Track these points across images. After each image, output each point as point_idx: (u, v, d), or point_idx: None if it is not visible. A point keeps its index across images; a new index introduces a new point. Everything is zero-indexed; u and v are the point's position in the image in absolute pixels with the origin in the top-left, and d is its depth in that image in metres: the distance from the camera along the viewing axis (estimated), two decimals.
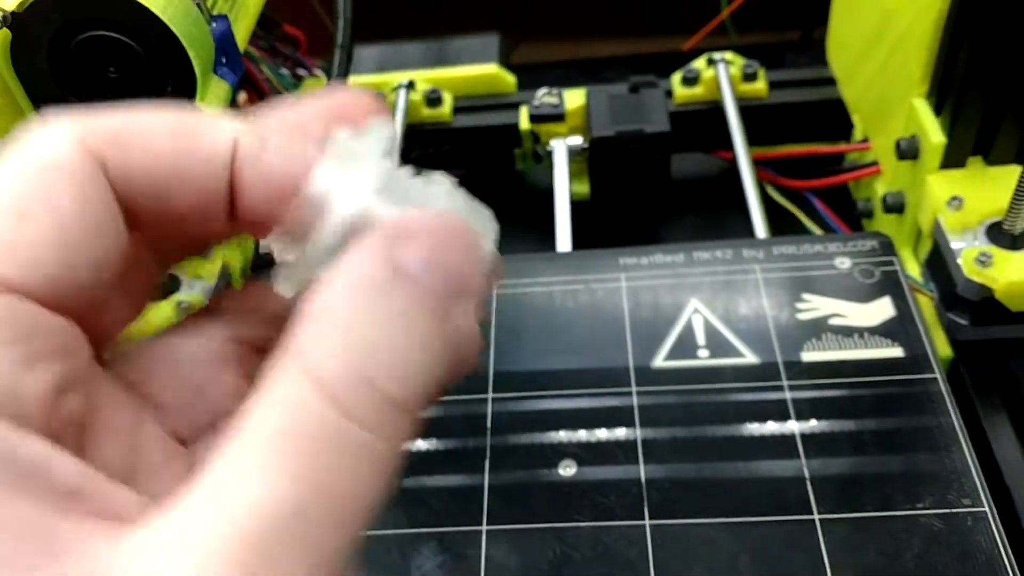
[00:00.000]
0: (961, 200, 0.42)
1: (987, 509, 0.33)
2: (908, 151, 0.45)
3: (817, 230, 0.53)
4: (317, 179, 0.16)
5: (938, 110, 0.44)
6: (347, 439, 0.14)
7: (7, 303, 0.15)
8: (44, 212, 0.15)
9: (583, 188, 0.55)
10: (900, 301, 0.39)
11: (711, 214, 0.57)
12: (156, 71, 0.31)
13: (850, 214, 0.53)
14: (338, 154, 0.17)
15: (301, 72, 0.59)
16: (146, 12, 0.30)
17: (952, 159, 0.44)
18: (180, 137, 0.17)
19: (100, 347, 0.17)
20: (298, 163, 0.17)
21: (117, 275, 0.16)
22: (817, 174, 0.54)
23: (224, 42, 0.34)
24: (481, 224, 0.17)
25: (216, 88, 0.32)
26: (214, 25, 0.34)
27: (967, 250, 0.41)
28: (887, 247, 0.41)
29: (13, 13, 0.30)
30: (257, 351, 0.19)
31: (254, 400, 0.14)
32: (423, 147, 0.57)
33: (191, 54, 0.31)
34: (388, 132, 0.18)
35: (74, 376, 0.15)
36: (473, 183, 0.58)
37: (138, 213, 0.17)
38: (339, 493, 0.14)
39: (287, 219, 0.17)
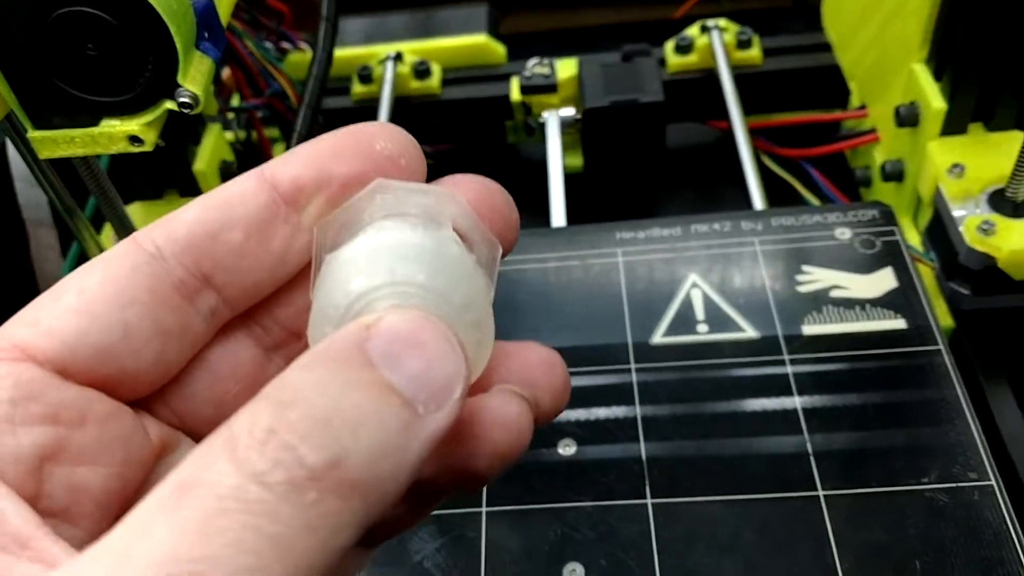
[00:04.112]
0: (963, 167, 0.42)
1: (993, 483, 0.32)
2: (908, 118, 0.44)
3: (814, 200, 0.52)
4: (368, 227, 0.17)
5: (938, 76, 0.44)
6: (233, 494, 0.13)
7: (18, 368, 0.16)
8: (73, 290, 0.17)
9: (576, 160, 0.54)
10: (902, 272, 0.39)
11: (706, 185, 0.56)
12: (136, 47, 0.30)
13: (847, 183, 0.52)
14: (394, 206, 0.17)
15: (285, 46, 0.58)
16: None
17: (953, 126, 0.43)
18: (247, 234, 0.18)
19: (152, 397, 0.18)
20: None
21: (163, 347, 0.17)
22: (813, 142, 0.53)
23: (206, 16, 0.33)
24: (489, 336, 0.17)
25: (199, 64, 0.31)
26: None
27: (969, 218, 0.40)
28: (888, 217, 0.41)
29: None
30: None
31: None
32: (412, 121, 0.56)
33: (172, 29, 0.29)
34: (440, 203, 0.18)
35: (85, 443, 0.16)
36: (464, 157, 0.58)
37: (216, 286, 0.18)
38: (218, 553, 0.12)
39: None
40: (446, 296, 0.16)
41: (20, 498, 0.15)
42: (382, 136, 0.18)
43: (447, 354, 0.15)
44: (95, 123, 0.32)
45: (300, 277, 0.19)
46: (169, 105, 0.31)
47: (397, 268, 0.16)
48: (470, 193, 0.18)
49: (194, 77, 0.31)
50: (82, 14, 0.30)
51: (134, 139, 0.32)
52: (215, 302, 0.18)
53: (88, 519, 0.16)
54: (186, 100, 0.31)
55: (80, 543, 0.15)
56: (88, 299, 0.17)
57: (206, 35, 0.33)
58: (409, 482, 0.14)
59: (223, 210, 0.18)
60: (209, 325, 0.18)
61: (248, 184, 0.18)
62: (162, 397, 0.18)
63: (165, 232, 0.17)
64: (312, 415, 0.13)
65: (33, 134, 0.32)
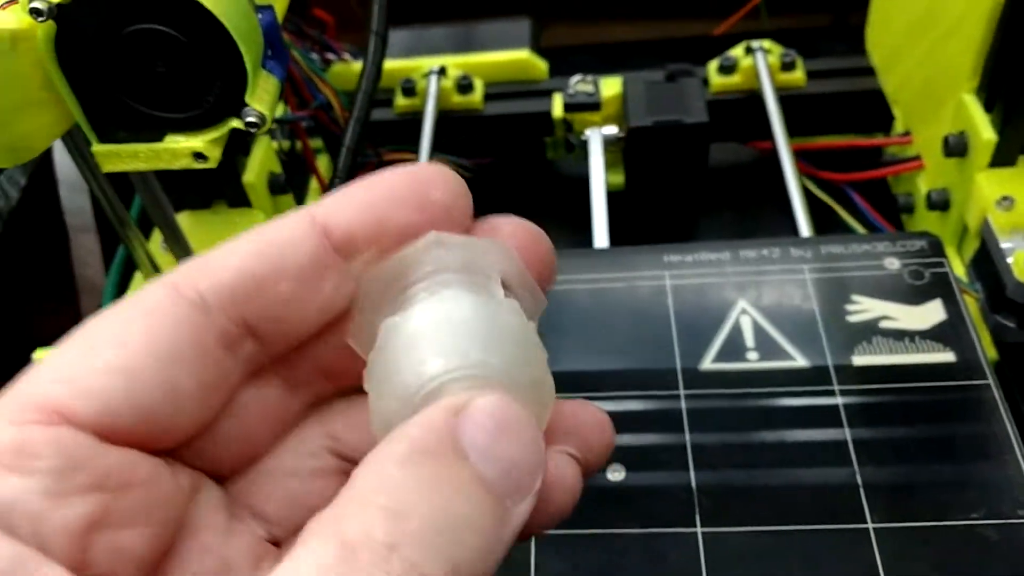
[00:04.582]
0: (1012, 200, 0.42)
1: None
2: (956, 148, 0.44)
3: (856, 224, 0.52)
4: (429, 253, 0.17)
5: (989, 107, 0.43)
6: None
7: (58, 435, 0.15)
8: (111, 344, 0.16)
9: (617, 178, 0.54)
10: (951, 304, 0.39)
11: (747, 207, 0.56)
12: (205, 66, 0.30)
13: (890, 208, 0.52)
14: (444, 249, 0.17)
15: (329, 56, 0.58)
16: (195, 4, 0.29)
17: (1002, 157, 0.43)
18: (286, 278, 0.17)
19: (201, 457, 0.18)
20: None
21: (205, 401, 0.17)
22: (855, 167, 0.53)
23: (271, 34, 0.33)
24: (546, 397, 0.17)
25: (265, 83, 0.32)
26: (260, 16, 0.33)
27: (1018, 252, 0.40)
28: (936, 248, 0.41)
29: (59, 5, 0.29)
30: (351, 461, 0.19)
31: (287, 556, 0.14)
32: (454, 135, 0.57)
33: (243, 49, 0.30)
34: (500, 258, 0.18)
35: (129, 507, 0.16)
36: (503, 172, 0.58)
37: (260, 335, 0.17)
38: None
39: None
40: (517, 377, 0.16)
41: (69, 572, 0.15)
42: (439, 185, 0.18)
43: (530, 443, 0.16)
44: (159, 139, 0.32)
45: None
46: (235, 124, 0.31)
47: (471, 350, 0.16)
48: (515, 239, 0.18)
49: (261, 96, 0.31)
50: (153, 31, 0.30)
51: (198, 155, 0.32)
52: (254, 350, 0.17)
53: None
54: (253, 120, 0.31)
55: None
56: (129, 355, 0.16)
57: (269, 53, 0.33)
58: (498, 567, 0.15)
59: (272, 259, 0.17)
60: (245, 372, 0.18)
61: (299, 230, 0.17)
62: (190, 442, 0.18)
63: (209, 279, 0.17)
64: (426, 527, 0.14)
65: (97, 148, 0.33)
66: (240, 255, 0.17)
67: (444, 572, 0.14)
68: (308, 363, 0.19)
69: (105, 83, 0.31)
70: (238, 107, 0.31)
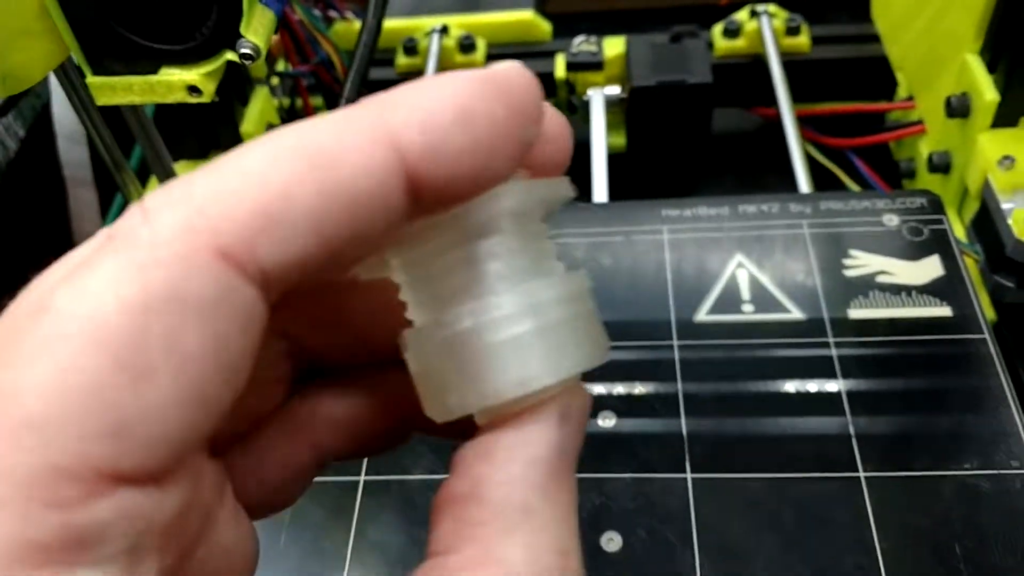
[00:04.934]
0: (1013, 160, 0.41)
1: None
2: (958, 109, 0.44)
3: (858, 189, 0.52)
4: (473, 209, 0.15)
5: (992, 68, 0.43)
6: None
7: (120, 505, 0.11)
8: (167, 369, 0.12)
9: (618, 140, 0.54)
10: (949, 260, 0.38)
11: (749, 171, 0.56)
12: None
13: (891, 174, 0.52)
14: (514, 191, 0.15)
15: (332, 14, 0.58)
16: None
17: (1004, 118, 0.43)
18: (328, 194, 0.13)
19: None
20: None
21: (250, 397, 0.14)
22: (858, 132, 0.53)
23: None
24: (577, 346, 0.16)
25: (261, 16, 0.31)
26: None
27: (1018, 211, 0.40)
28: (936, 205, 0.40)
29: None
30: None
31: None
32: None
33: None
34: (563, 192, 0.16)
35: (178, 533, 0.13)
36: None
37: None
38: None
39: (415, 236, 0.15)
40: (592, 361, 0.16)
41: None
42: (538, 119, 0.14)
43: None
44: (154, 71, 0.32)
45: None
46: (230, 56, 0.31)
47: (563, 362, 0.16)
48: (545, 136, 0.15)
49: (256, 29, 0.31)
50: None
51: (193, 89, 0.32)
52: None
53: None
54: (248, 51, 0.31)
55: None
56: (192, 380, 0.12)
57: None
58: None
59: (353, 220, 0.13)
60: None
61: (387, 178, 0.13)
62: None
63: (272, 244, 0.12)
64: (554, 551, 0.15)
65: (92, 80, 0.33)
66: (313, 208, 0.12)
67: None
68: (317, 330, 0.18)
69: (100, 13, 0.31)
70: (233, 39, 0.31)
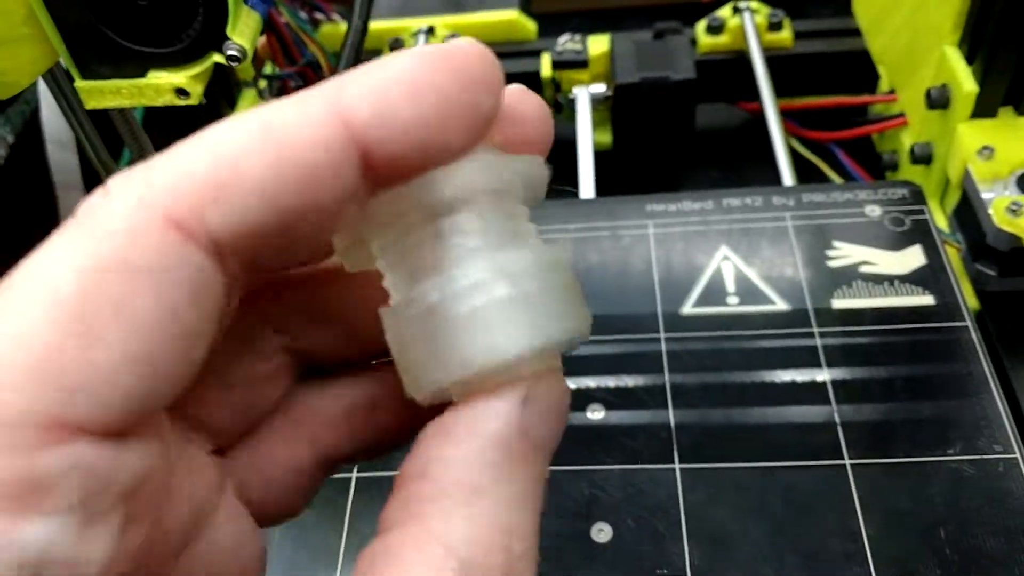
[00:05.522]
0: (992, 150, 0.42)
1: (1018, 455, 0.32)
2: (938, 100, 0.44)
3: (841, 182, 0.52)
4: (441, 177, 0.15)
5: (970, 59, 0.44)
6: None
7: (74, 455, 0.12)
8: (116, 331, 0.12)
9: (604, 138, 0.54)
10: (930, 249, 0.39)
11: (734, 166, 0.56)
12: None
13: (874, 167, 0.52)
14: (479, 166, 0.15)
15: (318, 16, 0.58)
16: None
17: (983, 109, 0.43)
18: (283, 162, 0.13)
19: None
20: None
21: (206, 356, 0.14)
22: (841, 126, 0.53)
23: None
24: (555, 318, 0.15)
25: (247, 18, 0.32)
26: None
27: (998, 200, 0.40)
28: (917, 195, 0.41)
29: None
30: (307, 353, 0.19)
31: (384, 560, 0.14)
32: None
33: None
34: (536, 171, 0.16)
35: (150, 499, 0.14)
36: None
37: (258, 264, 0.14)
38: None
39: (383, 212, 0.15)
40: (569, 335, 0.16)
41: None
42: (493, 88, 0.14)
43: (565, 420, 0.16)
44: (142, 74, 0.32)
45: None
46: (217, 58, 0.32)
47: (534, 332, 0.15)
48: (513, 110, 0.16)
49: (242, 31, 0.31)
50: None
51: (180, 92, 0.32)
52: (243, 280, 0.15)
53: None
54: (234, 53, 0.31)
55: None
56: (143, 341, 0.12)
57: None
58: None
59: (304, 189, 0.13)
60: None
61: (337, 149, 0.13)
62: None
63: (223, 213, 0.13)
64: (499, 528, 0.14)
65: (80, 84, 0.33)
66: (262, 177, 0.13)
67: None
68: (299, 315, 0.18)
69: (87, 17, 0.31)
70: (219, 41, 0.31)
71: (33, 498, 0.12)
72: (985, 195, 0.41)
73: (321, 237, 0.15)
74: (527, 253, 0.15)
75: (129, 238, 0.12)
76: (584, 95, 0.52)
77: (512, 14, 0.58)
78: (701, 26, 0.56)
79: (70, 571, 0.12)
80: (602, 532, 0.32)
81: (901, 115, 0.50)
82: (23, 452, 0.12)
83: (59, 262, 0.12)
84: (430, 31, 0.56)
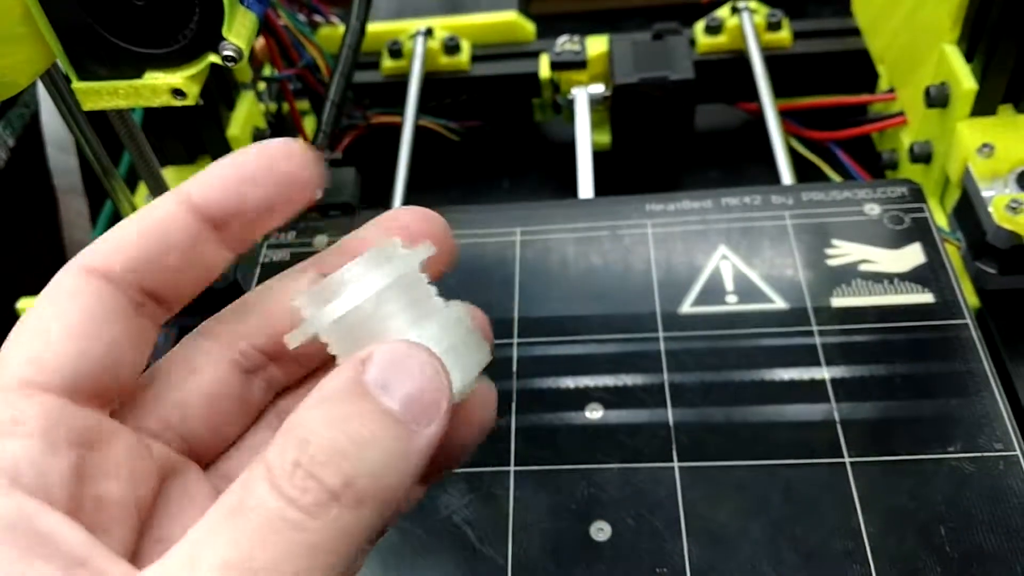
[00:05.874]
0: (992, 147, 0.42)
1: (1019, 453, 0.32)
2: (938, 98, 0.44)
3: (841, 181, 0.52)
4: (351, 267, 0.20)
5: (969, 57, 0.44)
6: (276, 515, 0.16)
7: (40, 402, 0.18)
8: (57, 327, 0.19)
9: (603, 138, 0.54)
10: (930, 247, 0.39)
11: (733, 166, 0.56)
12: None
13: (874, 166, 0.52)
14: (377, 256, 0.20)
15: (316, 19, 0.58)
16: None
17: (983, 107, 0.43)
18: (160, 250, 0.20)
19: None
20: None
21: (136, 358, 0.20)
22: (840, 126, 0.53)
23: None
24: (470, 357, 0.20)
25: (243, 18, 0.32)
26: None
27: (997, 198, 0.40)
28: (916, 194, 0.41)
29: None
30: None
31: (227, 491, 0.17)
32: (440, 97, 0.57)
33: None
34: (429, 253, 0.20)
35: (102, 460, 0.19)
36: (491, 135, 0.58)
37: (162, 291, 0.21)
38: (270, 561, 0.16)
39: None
40: (425, 333, 0.19)
41: (72, 519, 0.17)
42: (285, 157, 0.21)
43: (431, 376, 0.18)
44: (139, 75, 0.32)
45: (274, 316, 0.22)
46: (213, 58, 0.32)
47: (466, 376, 0.20)
48: (413, 225, 0.22)
49: (238, 31, 0.31)
50: None
51: (177, 92, 0.32)
52: (158, 310, 0.21)
53: (116, 529, 0.18)
54: (230, 53, 0.31)
55: (117, 552, 0.17)
56: (73, 330, 0.19)
57: None
58: (411, 485, 0.18)
59: (159, 237, 0.20)
60: (155, 327, 0.21)
61: (177, 211, 0.20)
62: (169, 424, 0.21)
63: (112, 260, 0.20)
64: (325, 447, 0.17)
65: (77, 85, 0.33)
66: (133, 237, 0.20)
67: (340, 482, 0.16)
68: (255, 351, 0.22)
69: (83, 17, 0.31)
70: (215, 41, 0.31)
71: (12, 427, 0.17)
72: (985, 193, 0.41)
73: (191, 271, 0.21)
74: (438, 318, 0.20)
75: (65, 278, 0.20)
76: (583, 96, 0.52)
77: (510, 15, 0.58)
78: (700, 26, 0.56)
79: (38, 480, 0.17)
80: (601, 531, 0.32)
81: (900, 114, 0.50)
82: (10, 402, 0.18)
83: (42, 299, 0.20)
84: (428, 32, 0.57)
